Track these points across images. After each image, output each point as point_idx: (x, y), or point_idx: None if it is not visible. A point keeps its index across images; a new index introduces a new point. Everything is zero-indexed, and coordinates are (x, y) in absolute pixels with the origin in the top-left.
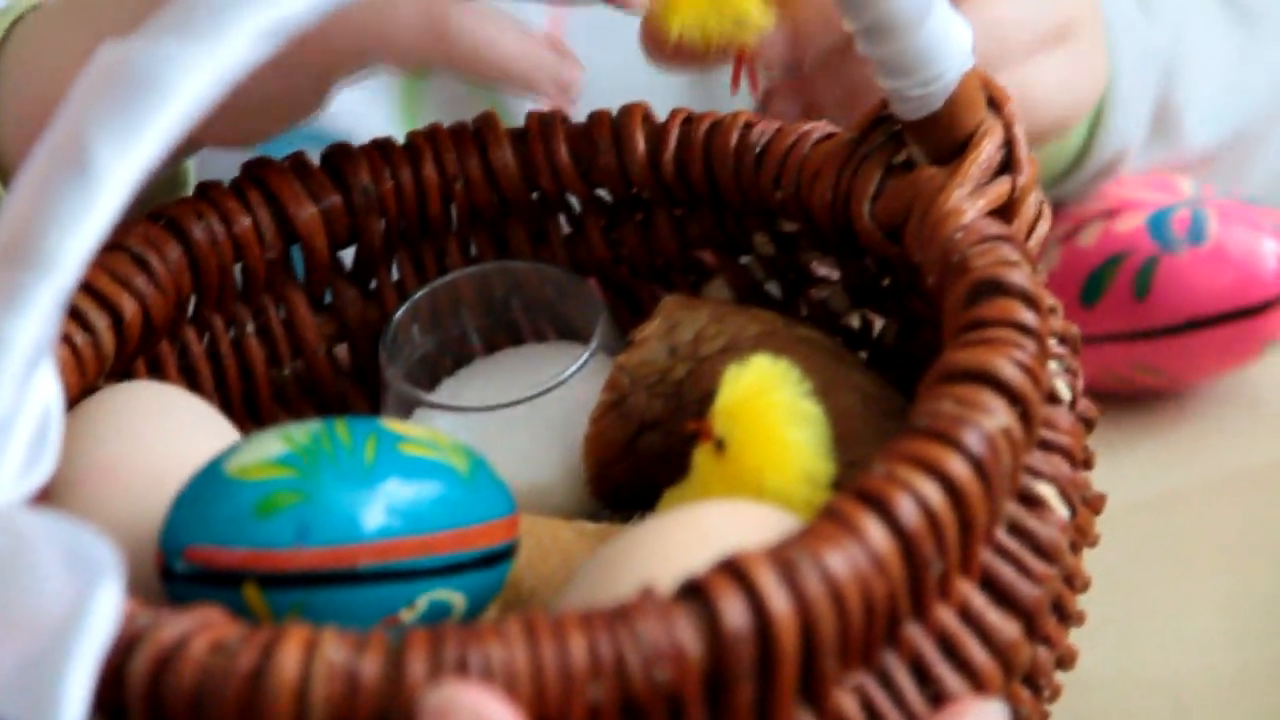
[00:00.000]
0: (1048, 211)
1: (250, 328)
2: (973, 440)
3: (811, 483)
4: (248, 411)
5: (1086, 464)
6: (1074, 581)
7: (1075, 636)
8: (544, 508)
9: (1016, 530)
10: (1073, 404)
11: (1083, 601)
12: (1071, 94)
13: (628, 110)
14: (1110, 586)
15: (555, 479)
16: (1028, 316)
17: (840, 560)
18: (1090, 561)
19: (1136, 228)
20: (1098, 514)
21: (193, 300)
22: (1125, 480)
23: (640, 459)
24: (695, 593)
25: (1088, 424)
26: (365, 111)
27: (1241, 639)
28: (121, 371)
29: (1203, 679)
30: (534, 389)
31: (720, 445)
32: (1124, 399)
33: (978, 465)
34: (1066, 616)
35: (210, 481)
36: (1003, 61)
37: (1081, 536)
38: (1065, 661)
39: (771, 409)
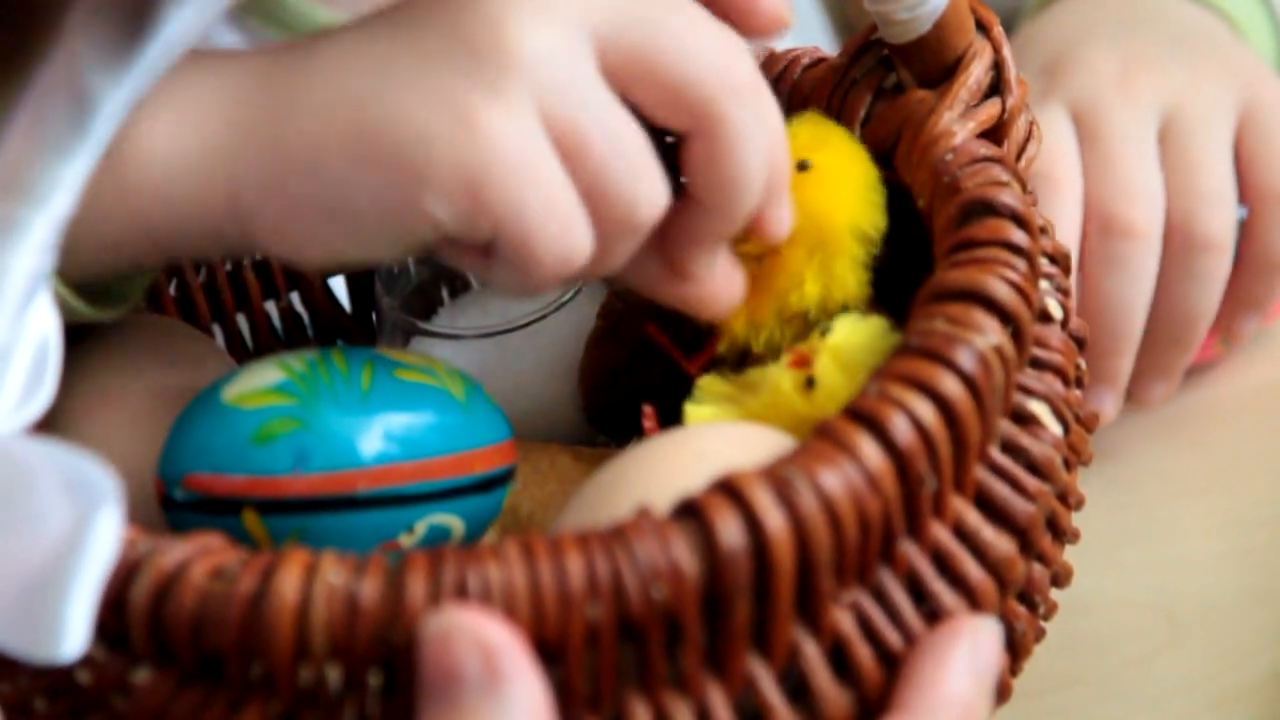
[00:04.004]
0: (1038, 132)
1: (246, 260)
2: (965, 358)
3: None
4: (244, 343)
5: (1079, 382)
6: (1068, 499)
7: (1072, 559)
8: (540, 433)
9: (1010, 448)
10: (1064, 323)
11: (1079, 524)
12: None
13: None
14: (1106, 509)
15: (551, 404)
16: (1018, 236)
17: (834, 478)
18: (1085, 483)
19: None
20: (1091, 432)
21: None
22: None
23: (634, 384)
24: (691, 512)
25: (1080, 343)
26: None
27: (1237, 560)
28: None
29: (1199, 600)
30: (529, 315)
31: (810, 383)
32: None
33: (970, 383)
34: (1061, 533)
35: (208, 410)
36: None
37: (1075, 454)
38: (1060, 579)
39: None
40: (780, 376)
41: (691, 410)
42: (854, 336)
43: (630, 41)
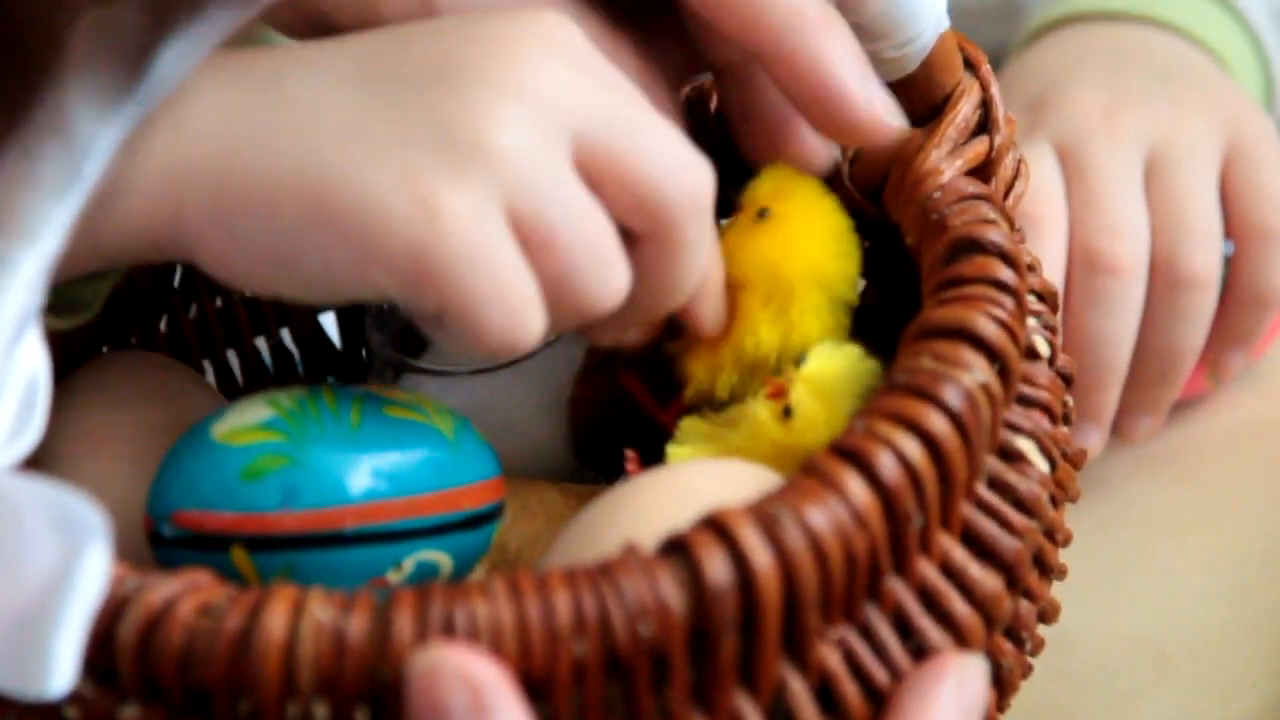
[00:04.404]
0: (1026, 170)
1: (237, 296)
2: (951, 396)
3: None
4: (235, 379)
5: (1066, 419)
6: (1055, 535)
7: (1060, 595)
8: (529, 469)
9: (996, 484)
10: (1051, 360)
11: (1067, 560)
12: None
13: None
14: (1094, 545)
15: (539, 441)
16: (1005, 273)
17: (821, 515)
18: (1073, 519)
19: None
20: (1078, 469)
21: (179, 269)
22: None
23: (622, 420)
24: (678, 549)
25: (1067, 380)
26: None
27: (1225, 596)
28: (109, 342)
29: (1187, 636)
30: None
31: (788, 412)
32: None
33: (956, 420)
34: (1048, 570)
35: (197, 447)
36: None
37: (1062, 491)
38: (1047, 615)
39: (852, 401)
40: (758, 408)
41: (674, 451)
42: (829, 364)
43: (608, 146)
